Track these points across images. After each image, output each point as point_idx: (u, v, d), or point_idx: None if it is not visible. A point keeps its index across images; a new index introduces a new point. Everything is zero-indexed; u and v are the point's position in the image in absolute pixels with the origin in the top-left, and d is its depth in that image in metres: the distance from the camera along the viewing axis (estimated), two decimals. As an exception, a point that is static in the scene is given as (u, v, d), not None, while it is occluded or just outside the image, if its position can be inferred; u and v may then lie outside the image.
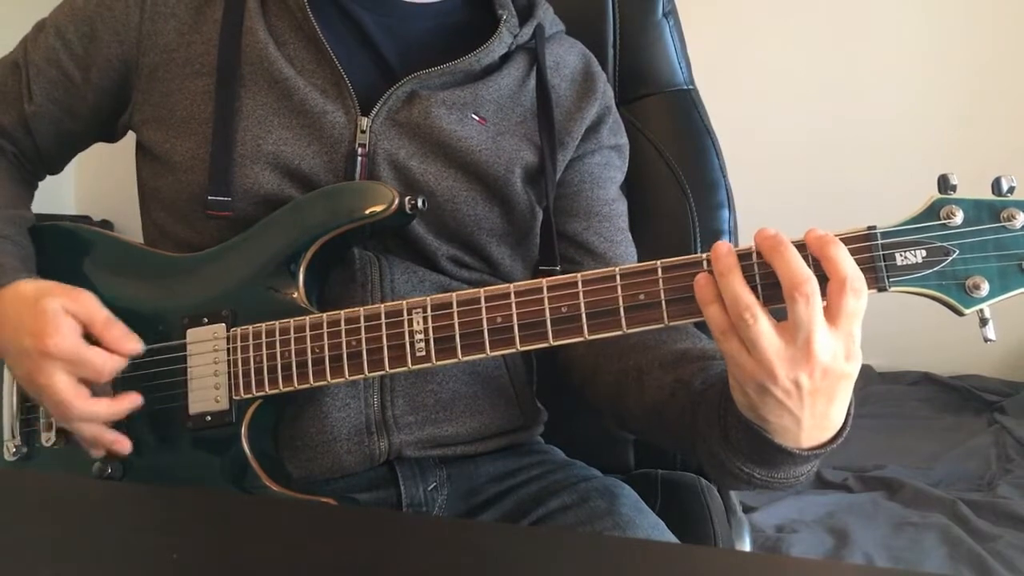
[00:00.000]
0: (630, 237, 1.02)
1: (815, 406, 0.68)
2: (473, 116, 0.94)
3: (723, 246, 0.69)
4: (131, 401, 0.83)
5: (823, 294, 0.66)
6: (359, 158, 0.90)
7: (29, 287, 0.84)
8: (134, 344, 0.83)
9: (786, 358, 0.66)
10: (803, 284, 0.65)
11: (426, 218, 0.91)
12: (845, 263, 0.65)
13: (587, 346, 0.92)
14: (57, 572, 0.59)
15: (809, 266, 0.66)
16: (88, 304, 0.83)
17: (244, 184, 0.88)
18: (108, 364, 0.81)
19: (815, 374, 0.66)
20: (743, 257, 0.69)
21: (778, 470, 0.73)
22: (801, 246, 0.68)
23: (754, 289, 0.68)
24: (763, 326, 0.66)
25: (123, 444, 0.84)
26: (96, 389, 0.83)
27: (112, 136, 1.03)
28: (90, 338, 0.82)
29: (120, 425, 0.86)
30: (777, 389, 0.67)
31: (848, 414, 0.71)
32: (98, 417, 0.82)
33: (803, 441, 0.70)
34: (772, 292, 0.68)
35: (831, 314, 0.65)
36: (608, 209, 1.00)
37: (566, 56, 1.03)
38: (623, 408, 0.89)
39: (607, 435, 1.16)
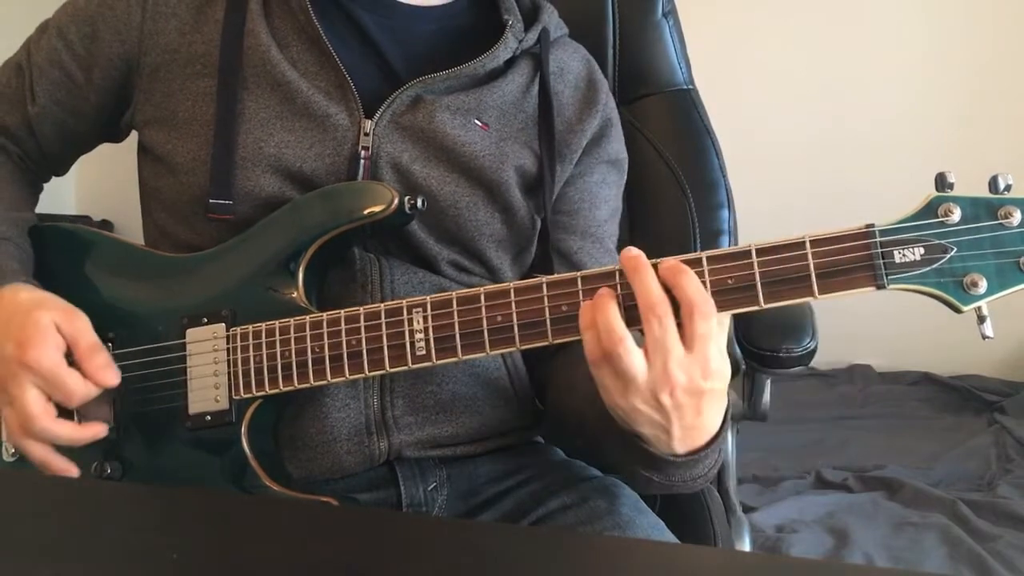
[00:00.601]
0: (615, 257, 1.03)
1: (683, 419, 0.72)
2: (476, 121, 0.94)
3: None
4: (96, 431, 0.83)
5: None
6: (362, 161, 0.90)
7: (26, 295, 0.84)
8: (113, 377, 0.83)
9: (647, 381, 0.69)
10: (657, 306, 0.68)
11: (427, 222, 0.91)
12: (691, 288, 0.69)
13: (543, 362, 0.96)
14: (57, 572, 0.59)
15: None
16: (80, 326, 0.82)
17: (245, 187, 0.88)
18: (81, 390, 0.81)
19: (676, 393, 0.70)
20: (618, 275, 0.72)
21: (670, 474, 0.77)
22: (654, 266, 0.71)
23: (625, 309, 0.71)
24: (633, 358, 0.69)
25: (72, 471, 0.84)
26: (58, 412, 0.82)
27: (117, 136, 1.03)
28: (71, 360, 0.82)
29: (120, 425, 0.86)
30: (643, 407, 0.71)
31: (726, 417, 0.75)
32: (59, 439, 0.82)
33: (677, 448, 0.74)
34: (632, 314, 0.71)
35: (685, 339, 0.69)
36: (601, 231, 1.01)
37: (570, 62, 1.03)
38: (562, 419, 0.93)
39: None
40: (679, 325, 0.69)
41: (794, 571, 0.69)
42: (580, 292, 0.74)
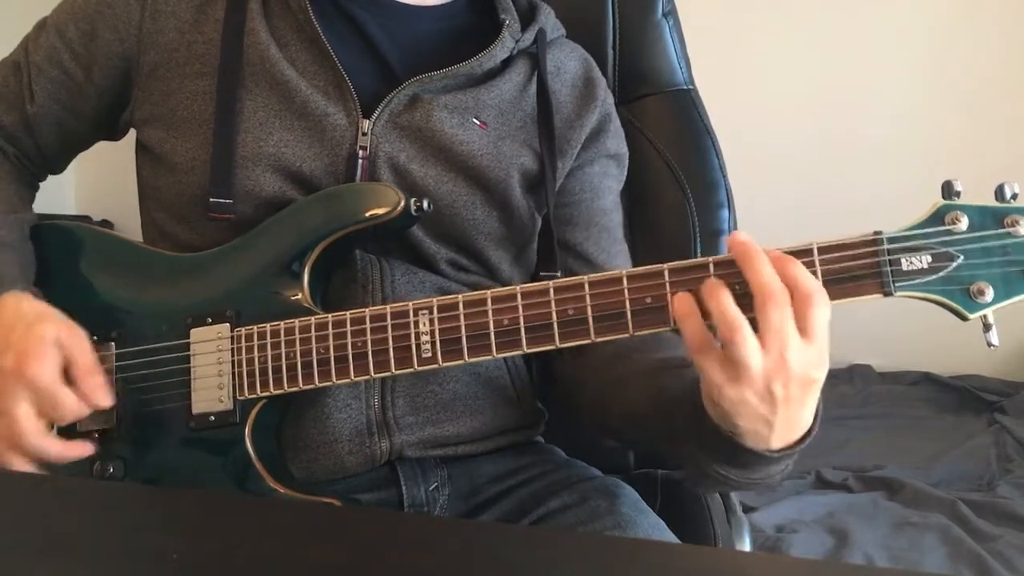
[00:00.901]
0: (626, 248, 1.03)
1: (788, 411, 0.70)
2: (474, 120, 0.94)
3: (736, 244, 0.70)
4: (83, 449, 0.83)
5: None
6: (360, 160, 0.90)
7: (28, 306, 0.84)
8: (105, 400, 0.82)
9: (762, 370, 0.67)
10: (776, 294, 0.67)
11: (425, 222, 0.91)
12: (807, 277, 0.68)
13: (570, 360, 0.95)
14: (57, 572, 0.59)
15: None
16: (80, 343, 0.82)
17: (245, 186, 0.88)
18: (74, 410, 0.81)
19: (790, 384, 0.68)
20: (720, 266, 0.70)
21: (752, 471, 0.75)
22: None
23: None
24: (752, 345, 0.67)
25: None
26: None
27: (114, 134, 1.03)
28: (66, 376, 0.81)
29: (122, 425, 0.86)
30: (753, 398, 0.69)
31: (816, 414, 0.73)
32: (47, 457, 0.82)
33: (773, 443, 0.72)
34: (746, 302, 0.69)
35: (802, 326, 0.67)
36: (606, 220, 1.01)
37: (567, 61, 1.03)
38: (607, 417, 0.91)
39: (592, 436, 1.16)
40: (794, 312, 0.68)
41: (794, 571, 0.69)
42: (587, 296, 0.74)
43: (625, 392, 0.86)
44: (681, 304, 0.71)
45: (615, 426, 0.92)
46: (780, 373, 0.67)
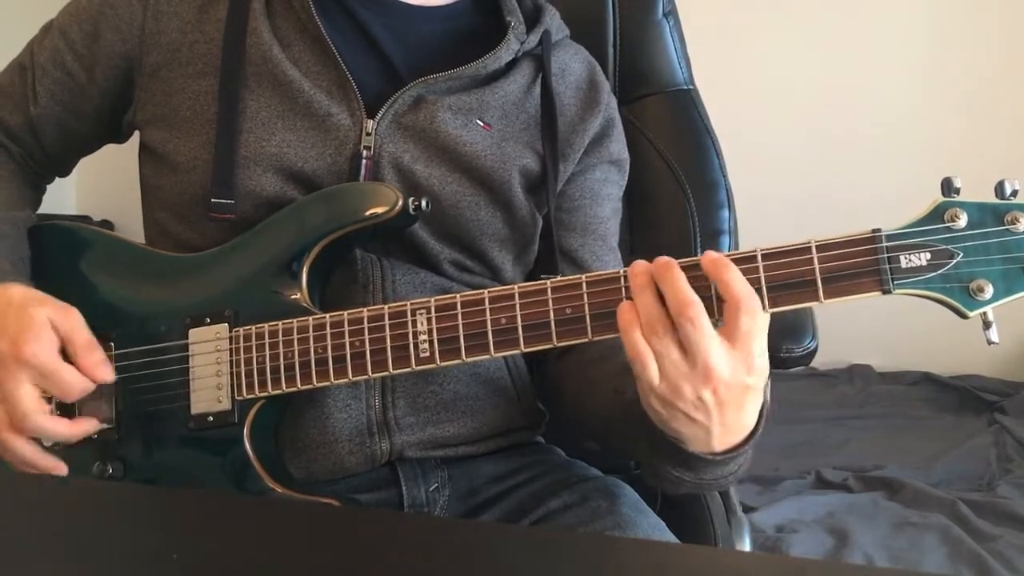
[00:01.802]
0: (619, 255, 1.03)
1: (724, 416, 0.71)
2: (478, 122, 0.94)
3: (637, 266, 0.72)
4: (90, 425, 0.83)
5: (720, 311, 0.69)
6: (363, 161, 0.90)
7: (18, 292, 0.84)
8: (108, 374, 0.83)
9: (688, 376, 0.69)
10: (687, 308, 0.68)
11: (429, 222, 0.91)
12: (738, 285, 0.68)
13: (554, 361, 0.96)
14: (57, 572, 0.59)
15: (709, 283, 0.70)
16: (74, 322, 0.82)
17: (247, 186, 0.88)
18: (78, 385, 0.81)
19: (718, 390, 0.69)
20: (689, 268, 0.71)
21: (703, 473, 0.76)
22: (697, 265, 0.70)
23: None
24: (669, 341, 0.69)
25: (60, 469, 0.83)
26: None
27: (119, 137, 1.03)
28: (66, 357, 0.81)
29: (121, 425, 0.86)
30: (685, 404, 0.70)
31: (761, 414, 0.74)
32: (52, 436, 0.82)
33: (716, 447, 0.73)
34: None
35: (729, 334, 0.68)
36: (603, 228, 1.01)
37: (571, 63, 1.03)
38: (583, 419, 0.93)
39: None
40: (723, 321, 0.69)
41: (794, 571, 0.69)
42: (585, 295, 0.75)
43: (594, 394, 0.88)
44: (624, 313, 0.71)
45: (590, 427, 0.93)
46: (707, 381, 0.68)
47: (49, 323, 0.81)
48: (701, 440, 0.73)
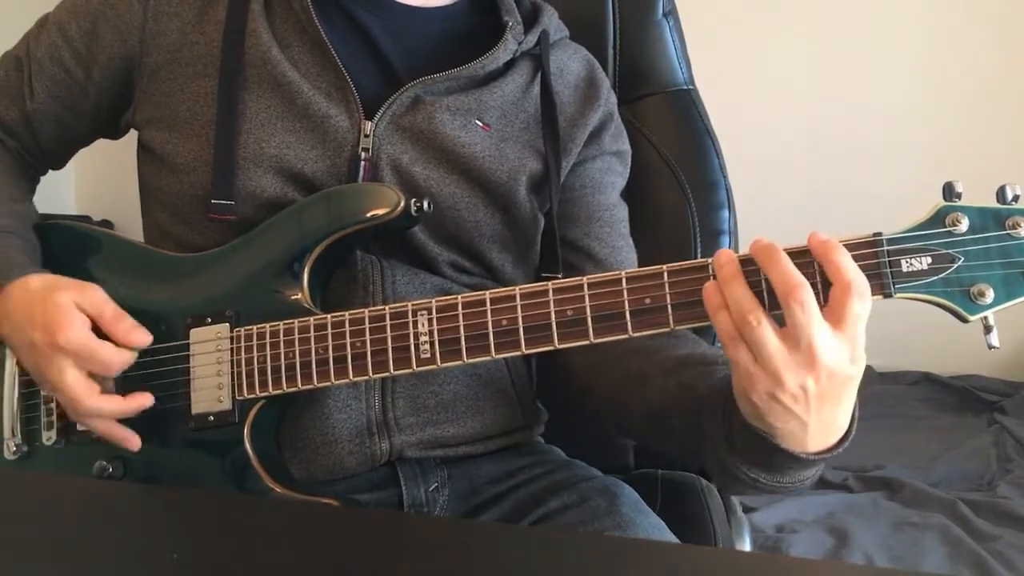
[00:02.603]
0: (631, 242, 1.02)
1: (821, 410, 0.68)
2: (477, 122, 0.94)
3: (725, 254, 0.70)
4: (142, 400, 0.84)
5: (827, 298, 0.66)
6: (362, 162, 0.90)
7: (37, 281, 0.85)
8: (143, 336, 0.84)
9: (791, 363, 0.66)
10: (797, 290, 0.65)
11: (428, 224, 0.91)
12: (849, 267, 0.66)
13: (586, 353, 0.92)
14: (57, 572, 0.59)
15: (814, 270, 0.67)
16: (97, 298, 0.83)
17: (247, 187, 0.88)
18: (117, 358, 0.82)
19: (821, 378, 0.66)
20: (746, 263, 0.69)
21: (784, 474, 0.73)
22: (804, 251, 0.68)
23: (759, 295, 0.68)
24: (766, 330, 0.66)
25: (133, 442, 0.84)
26: (105, 386, 0.83)
27: (114, 133, 1.03)
28: (98, 332, 0.82)
29: (124, 423, 0.86)
30: (784, 395, 0.67)
31: (853, 417, 0.71)
32: (108, 414, 0.83)
33: (809, 445, 0.70)
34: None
35: (836, 318, 0.66)
36: (609, 215, 1.00)
37: (570, 63, 1.03)
38: (625, 414, 0.90)
39: (608, 435, 1.16)
40: (829, 304, 0.66)
41: (794, 571, 0.69)
42: (586, 297, 0.74)
43: (645, 388, 0.85)
44: (710, 296, 0.69)
45: (634, 422, 0.90)
46: (811, 367, 0.66)
47: (75, 305, 0.81)
48: (796, 436, 0.69)
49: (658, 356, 0.86)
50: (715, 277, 0.70)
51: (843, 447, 0.72)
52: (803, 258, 0.68)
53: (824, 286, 0.67)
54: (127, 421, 0.85)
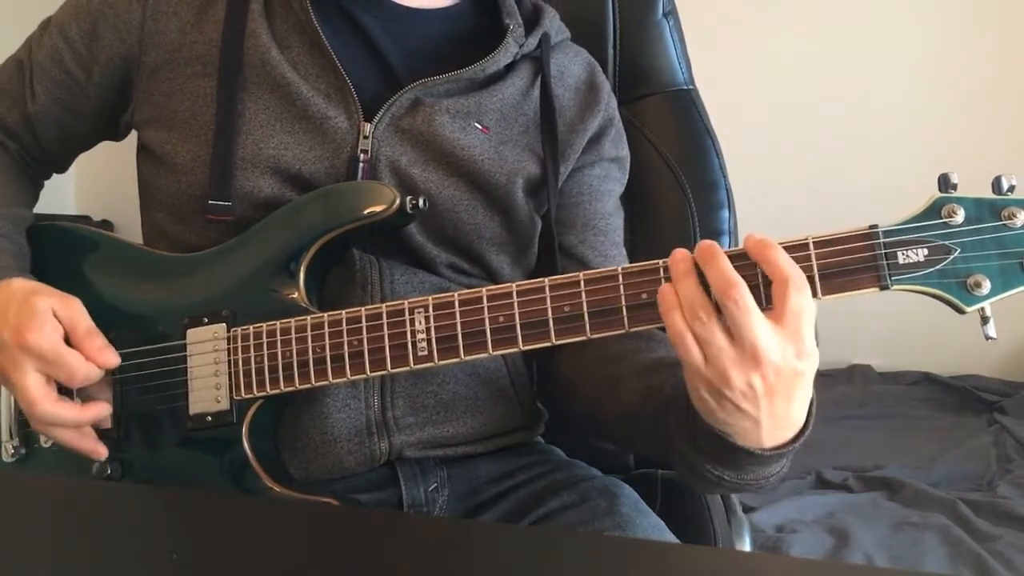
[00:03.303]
0: (624, 251, 1.03)
1: (773, 406, 0.69)
2: (476, 125, 0.94)
3: (678, 253, 0.70)
4: (99, 410, 0.83)
5: (768, 297, 0.68)
6: (361, 164, 0.90)
7: (20, 285, 0.84)
8: (112, 357, 0.83)
9: (737, 361, 0.67)
10: (731, 289, 0.66)
11: (426, 225, 0.91)
12: (785, 263, 0.67)
13: (568, 359, 0.94)
14: (57, 572, 0.59)
15: (756, 271, 0.69)
16: (75, 311, 0.83)
17: (245, 188, 0.88)
18: (83, 369, 0.81)
19: (768, 375, 0.67)
20: (737, 258, 0.70)
21: (746, 472, 0.74)
22: (743, 253, 0.69)
23: (755, 288, 0.68)
24: (714, 327, 0.67)
25: (100, 452, 0.84)
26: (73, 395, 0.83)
27: (116, 135, 1.03)
28: (70, 345, 0.82)
29: (120, 425, 0.86)
30: (733, 393, 0.68)
31: (810, 412, 0.72)
32: (62, 421, 0.82)
33: (765, 442, 0.71)
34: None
35: (777, 314, 0.67)
36: (604, 223, 1.00)
37: (571, 65, 1.03)
38: (601, 417, 0.91)
39: (587, 438, 1.16)
40: (769, 301, 0.67)
41: (794, 571, 0.69)
42: (583, 293, 0.74)
43: (618, 391, 0.86)
44: (665, 296, 0.70)
45: (610, 426, 0.91)
46: (756, 364, 0.66)
47: (52, 312, 0.81)
48: (750, 433, 0.70)
49: (633, 360, 0.87)
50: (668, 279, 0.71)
51: (800, 441, 0.72)
52: (745, 260, 0.69)
53: (766, 286, 0.68)
54: (126, 422, 0.86)
